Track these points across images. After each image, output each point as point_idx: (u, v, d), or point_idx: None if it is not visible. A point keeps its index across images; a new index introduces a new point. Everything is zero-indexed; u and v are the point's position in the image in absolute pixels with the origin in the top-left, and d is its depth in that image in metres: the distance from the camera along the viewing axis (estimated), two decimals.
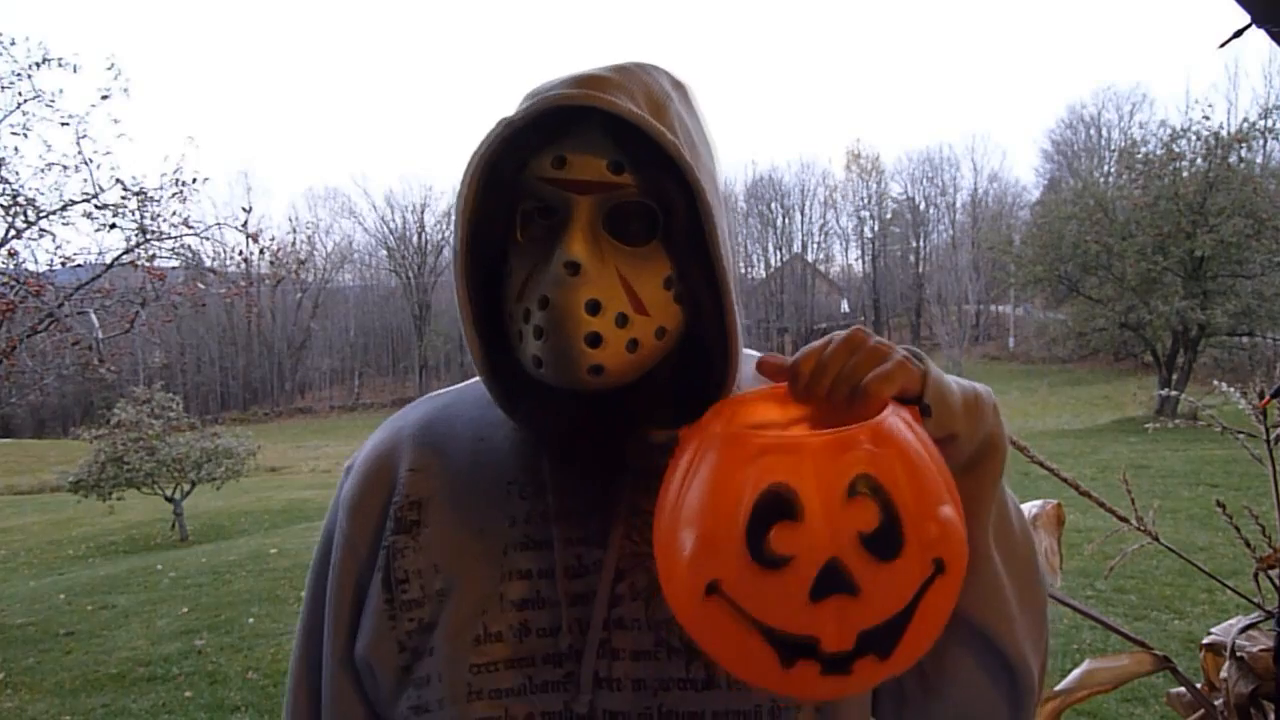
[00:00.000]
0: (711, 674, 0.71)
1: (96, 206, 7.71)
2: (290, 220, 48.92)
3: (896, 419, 0.60)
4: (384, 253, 54.43)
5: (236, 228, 9.56)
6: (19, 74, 7.67)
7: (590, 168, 0.67)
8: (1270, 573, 1.07)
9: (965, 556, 0.61)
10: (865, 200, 53.48)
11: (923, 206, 52.40)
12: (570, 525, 0.73)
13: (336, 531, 0.82)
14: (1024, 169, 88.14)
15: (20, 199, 7.53)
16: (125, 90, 8.12)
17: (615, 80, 0.68)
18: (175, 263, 8.64)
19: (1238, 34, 1.09)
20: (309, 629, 0.83)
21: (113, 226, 7.73)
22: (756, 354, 0.84)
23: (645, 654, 0.71)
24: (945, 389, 0.67)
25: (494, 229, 0.71)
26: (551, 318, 0.66)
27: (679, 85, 0.76)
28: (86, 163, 7.75)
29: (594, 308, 0.66)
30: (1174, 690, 1.14)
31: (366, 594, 0.78)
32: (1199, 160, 16.60)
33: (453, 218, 0.72)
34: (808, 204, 54.03)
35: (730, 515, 0.56)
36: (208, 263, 9.66)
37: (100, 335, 8.12)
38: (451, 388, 0.88)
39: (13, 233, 7.58)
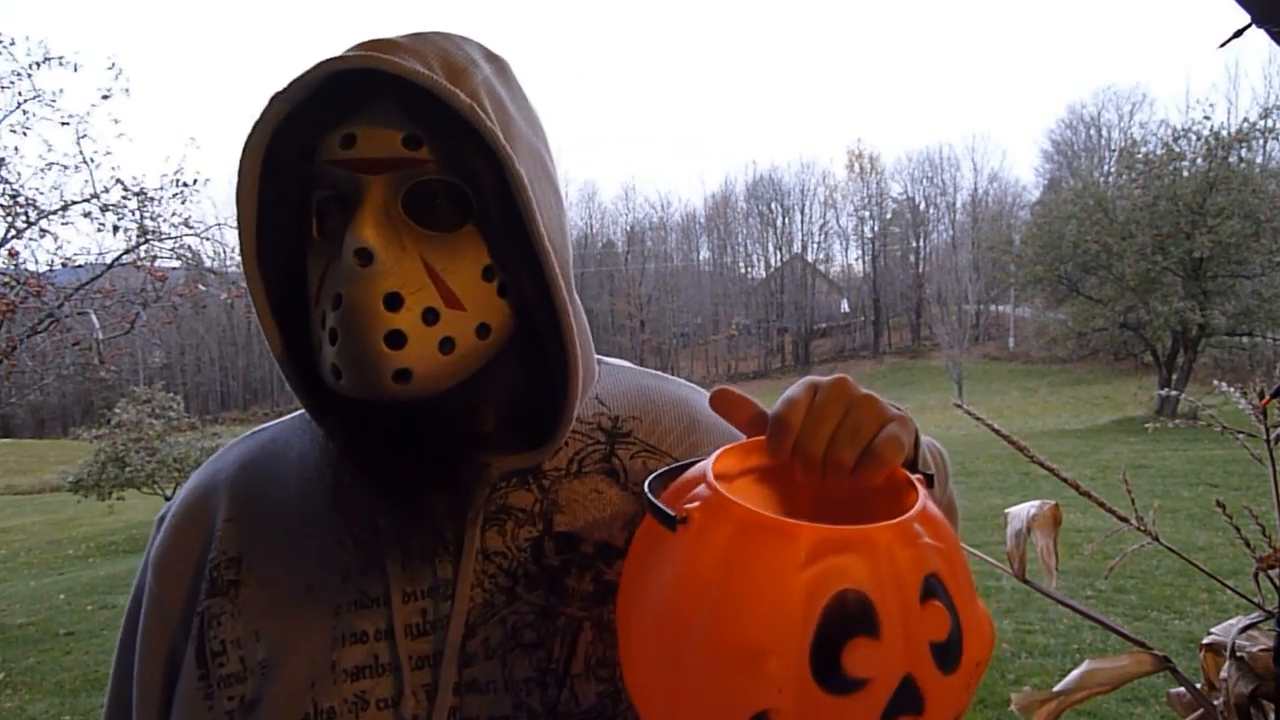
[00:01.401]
0: None
1: (98, 207, 7.71)
2: None
3: (930, 503, 0.51)
4: None
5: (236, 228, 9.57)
6: (19, 73, 7.69)
7: (382, 143, 0.57)
8: (1270, 573, 1.07)
9: (991, 650, 0.53)
10: (865, 200, 53.53)
11: (923, 206, 52.43)
12: (410, 576, 0.63)
13: (145, 594, 0.71)
14: (1024, 169, 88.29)
15: (20, 199, 7.53)
16: (126, 90, 8.13)
17: (406, 45, 0.59)
18: (176, 263, 8.65)
19: (1238, 34, 1.09)
20: (116, 705, 0.72)
21: (116, 228, 7.73)
22: (621, 363, 0.78)
23: (504, 719, 0.61)
24: (940, 465, 0.62)
25: (287, 224, 0.62)
26: (345, 317, 0.56)
27: (493, 58, 0.66)
28: (87, 163, 7.76)
29: (394, 301, 0.56)
30: (1174, 690, 1.14)
31: (179, 667, 0.67)
32: (1199, 160, 16.61)
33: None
34: (808, 204, 54.08)
35: (788, 629, 0.44)
36: (208, 263, 9.66)
37: (100, 335, 8.13)
38: (280, 419, 0.77)
39: (13, 233, 7.59)
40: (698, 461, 0.55)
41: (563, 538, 0.65)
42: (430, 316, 0.57)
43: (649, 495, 0.52)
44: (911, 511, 0.49)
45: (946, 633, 0.47)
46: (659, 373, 0.79)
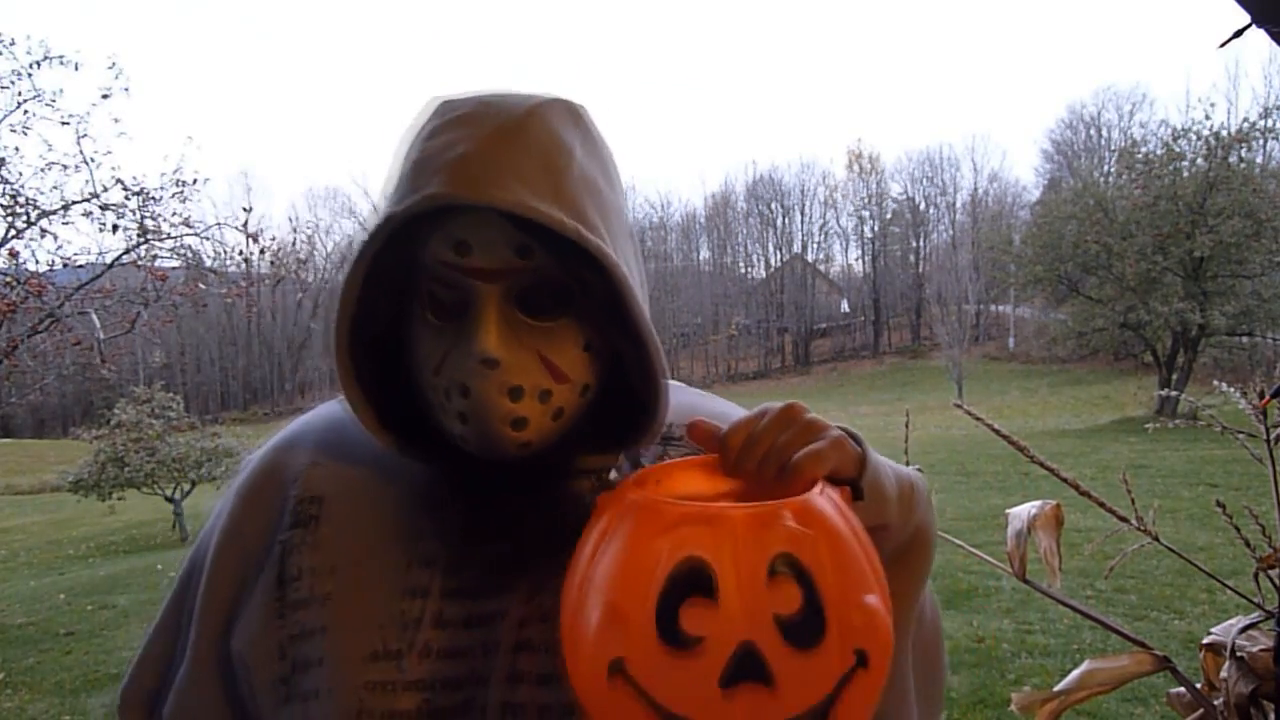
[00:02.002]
0: None
1: (98, 207, 7.71)
2: (290, 220, 48.87)
3: (825, 499, 0.56)
4: None
5: (236, 228, 9.57)
6: (19, 73, 7.68)
7: (495, 254, 0.63)
8: (1270, 573, 1.07)
9: (890, 650, 0.55)
10: (865, 200, 53.54)
11: (923, 206, 52.43)
12: (481, 543, 0.69)
13: (221, 517, 0.77)
14: (1024, 169, 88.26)
15: (20, 199, 7.53)
16: (126, 89, 8.13)
17: (507, 160, 0.62)
18: (176, 263, 8.65)
19: (1238, 34, 1.09)
20: (171, 624, 0.78)
21: (116, 228, 7.73)
22: (683, 385, 0.86)
23: (550, 678, 0.67)
24: (880, 474, 0.66)
25: (385, 295, 0.68)
26: (474, 407, 0.64)
27: (576, 118, 0.68)
28: (87, 162, 7.76)
29: (516, 394, 0.64)
30: (1174, 690, 1.14)
31: (248, 583, 0.73)
32: (1199, 160, 16.61)
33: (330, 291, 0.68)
34: (808, 204, 54.09)
35: (641, 588, 0.51)
36: (208, 263, 9.65)
37: (101, 335, 8.12)
38: None
39: (13, 233, 7.58)
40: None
41: None
42: (544, 397, 0.66)
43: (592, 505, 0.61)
44: (781, 501, 0.54)
45: (796, 608, 0.51)
46: (703, 391, 0.88)
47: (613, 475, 0.69)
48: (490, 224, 0.63)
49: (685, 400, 0.82)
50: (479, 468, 0.68)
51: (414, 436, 0.71)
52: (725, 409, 0.83)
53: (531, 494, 0.69)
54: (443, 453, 0.69)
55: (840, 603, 0.52)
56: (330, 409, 0.81)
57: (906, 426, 1.38)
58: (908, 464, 1.29)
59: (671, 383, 0.83)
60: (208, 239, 8.98)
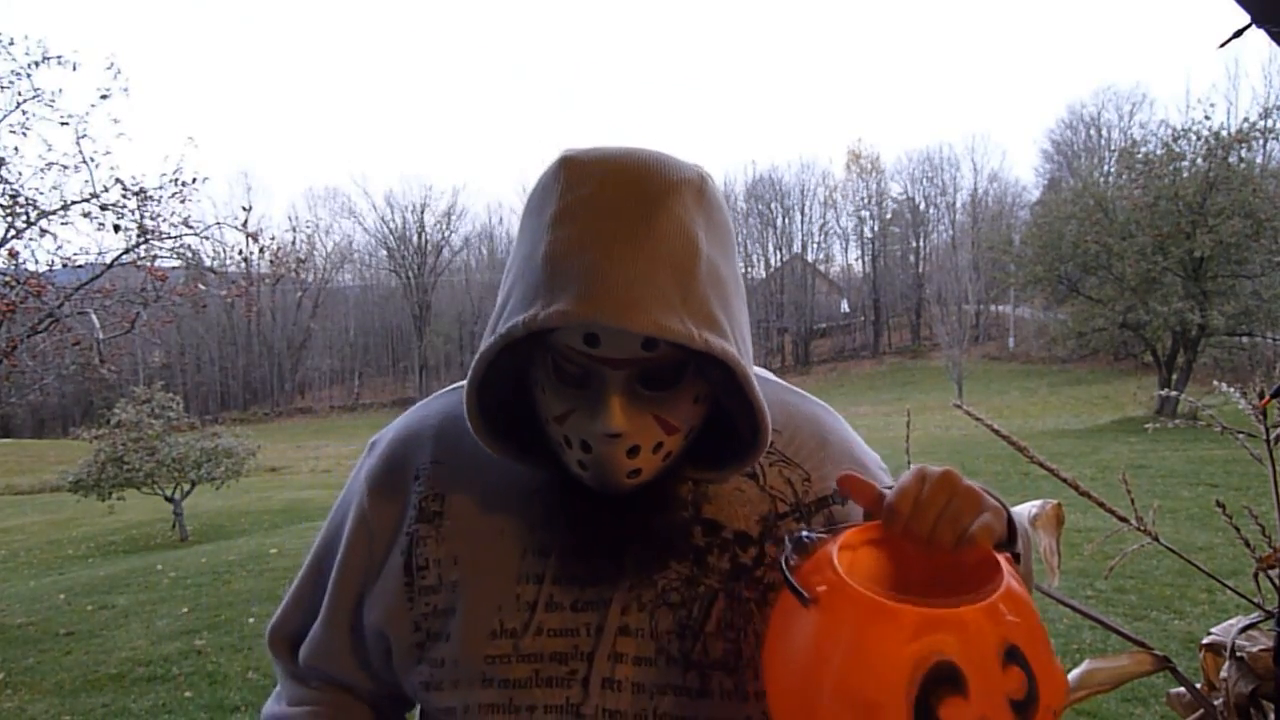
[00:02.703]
0: (705, 684, 0.76)
1: (98, 207, 7.70)
2: (290, 220, 48.91)
3: (1014, 579, 0.64)
4: (384, 253, 54.47)
5: (236, 228, 9.56)
6: (19, 73, 7.67)
7: (623, 349, 0.68)
8: (1270, 573, 1.07)
9: (1066, 701, 0.65)
10: (865, 200, 53.51)
11: (923, 206, 52.41)
12: (589, 535, 0.76)
13: (355, 503, 0.87)
14: (1024, 169, 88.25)
15: (20, 199, 7.52)
16: (125, 90, 8.12)
17: (639, 275, 0.64)
18: (175, 263, 8.64)
19: (1238, 34, 1.09)
20: (311, 581, 0.91)
21: (117, 228, 7.72)
22: (765, 374, 0.91)
23: (647, 660, 0.75)
24: (1025, 538, 0.74)
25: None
26: (595, 461, 0.72)
27: (699, 197, 0.70)
28: (86, 162, 7.75)
29: (634, 453, 0.71)
30: (1174, 690, 1.14)
31: (375, 567, 0.83)
32: (1199, 160, 16.59)
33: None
34: (808, 204, 54.06)
35: (895, 690, 0.58)
36: (208, 263, 9.65)
37: (100, 335, 8.12)
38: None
39: (13, 233, 7.57)
40: (825, 538, 0.70)
41: (708, 523, 0.80)
42: (657, 448, 0.72)
43: (787, 575, 0.67)
44: (996, 594, 0.61)
45: (1024, 692, 0.59)
46: (797, 389, 0.92)
47: (785, 550, 0.73)
48: (620, 319, 0.66)
49: (780, 399, 0.88)
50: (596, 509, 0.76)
51: (527, 442, 0.78)
52: (820, 412, 0.90)
53: (642, 491, 0.75)
54: (553, 462, 0.76)
55: (1044, 675, 0.61)
56: (447, 402, 0.88)
57: (908, 426, 1.38)
58: (909, 464, 1.30)
59: (760, 372, 0.89)
60: (207, 239, 8.97)
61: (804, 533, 0.72)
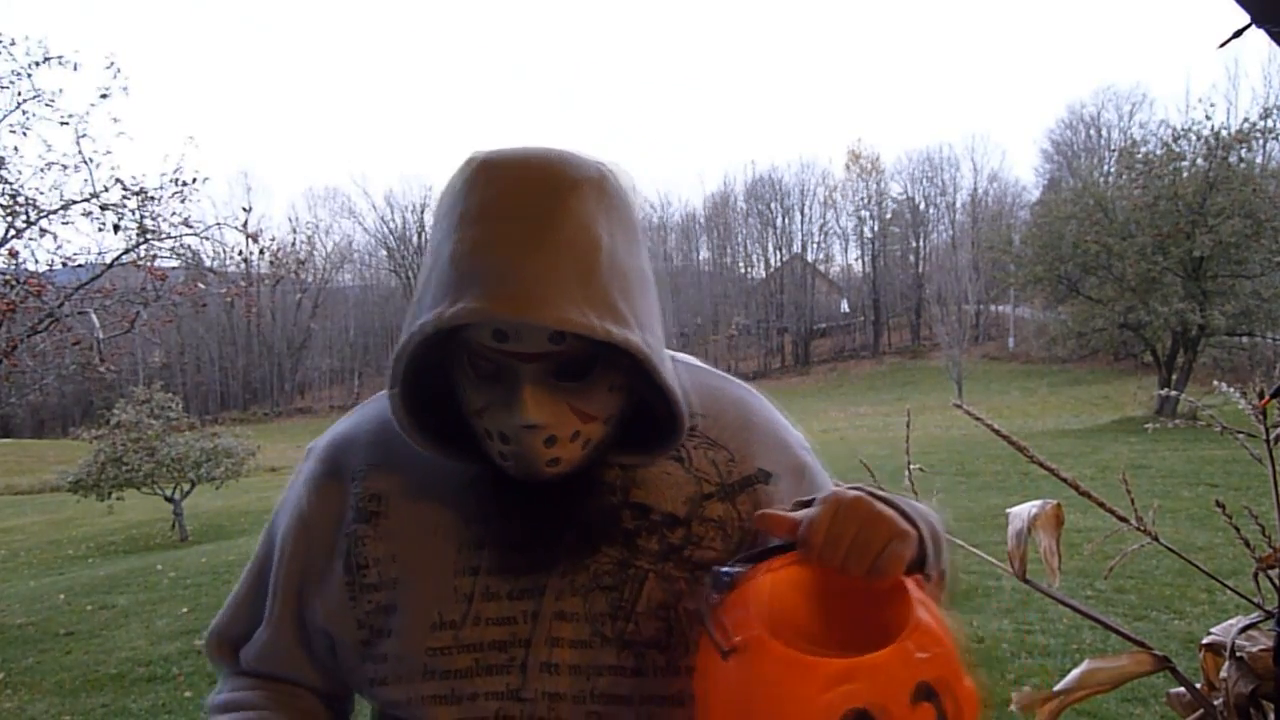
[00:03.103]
0: (640, 662, 0.79)
1: (98, 206, 7.69)
2: (290, 220, 48.79)
3: (923, 610, 0.67)
4: (384, 253, 54.50)
5: (236, 228, 9.56)
6: (19, 73, 7.67)
7: (531, 343, 0.71)
8: (1270, 573, 1.07)
9: (979, 711, 0.69)
10: (865, 200, 53.50)
11: (923, 206, 52.41)
12: (525, 527, 0.79)
13: (295, 507, 0.89)
14: (1024, 169, 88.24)
15: (20, 199, 7.52)
16: (125, 89, 8.11)
17: (541, 271, 0.68)
18: (175, 263, 8.64)
19: (1238, 34, 1.09)
20: (253, 587, 0.92)
21: (117, 228, 7.72)
22: (691, 360, 0.95)
23: (583, 643, 0.78)
24: (938, 545, 0.77)
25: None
26: (515, 452, 0.75)
27: (601, 193, 0.74)
28: (86, 162, 7.74)
29: (551, 442, 0.74)
30: (1174, 690, 1.14)
31: (317, 569, 0.86)
32: (1199, 160, 16.58)
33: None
34: (808, 204, 54.05)
35: None
36: (208, 263, 9.65)
37: (100, 335, 8.11)
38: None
39: (13, 233, 7.57)
40: (745, 572, 0.72)
41: (637, 507, 0.82)
42: (575, 436, 0.75)
43: (706, 624, 0.70)
44: (905, 633, 0.65)
45: None
46: (722, 373, 0.96)
47: (706, 589, 0.76)
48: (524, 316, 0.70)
49: (705, 383, 0.91)
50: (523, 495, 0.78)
51: (456, 437, 0.80)
52: (744, 395, 0.93)
53: (570, 481, 0.79)
54: (482, 455, 0.79)
55: (954, 699, 0.65)
56: (381, 406, 0.88)
57: (908, 426, 1.38)
58: (910, 464, 1.30)
59: (685, 358, 0.94)
60: (207, 239, 8.97)
61: (724, 569, 0.73)
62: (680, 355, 0.93)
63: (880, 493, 0.76)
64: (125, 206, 7.79)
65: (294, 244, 38.44)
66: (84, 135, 7.77)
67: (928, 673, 0.64)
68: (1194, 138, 16.74)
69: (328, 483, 0.87)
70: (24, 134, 7.71)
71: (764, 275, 54.13)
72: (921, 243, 52.55)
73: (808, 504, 0.75)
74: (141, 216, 7.88)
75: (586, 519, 0.80)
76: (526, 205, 0.70)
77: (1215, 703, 1.07)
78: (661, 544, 0.82)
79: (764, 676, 0.65)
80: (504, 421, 0.74)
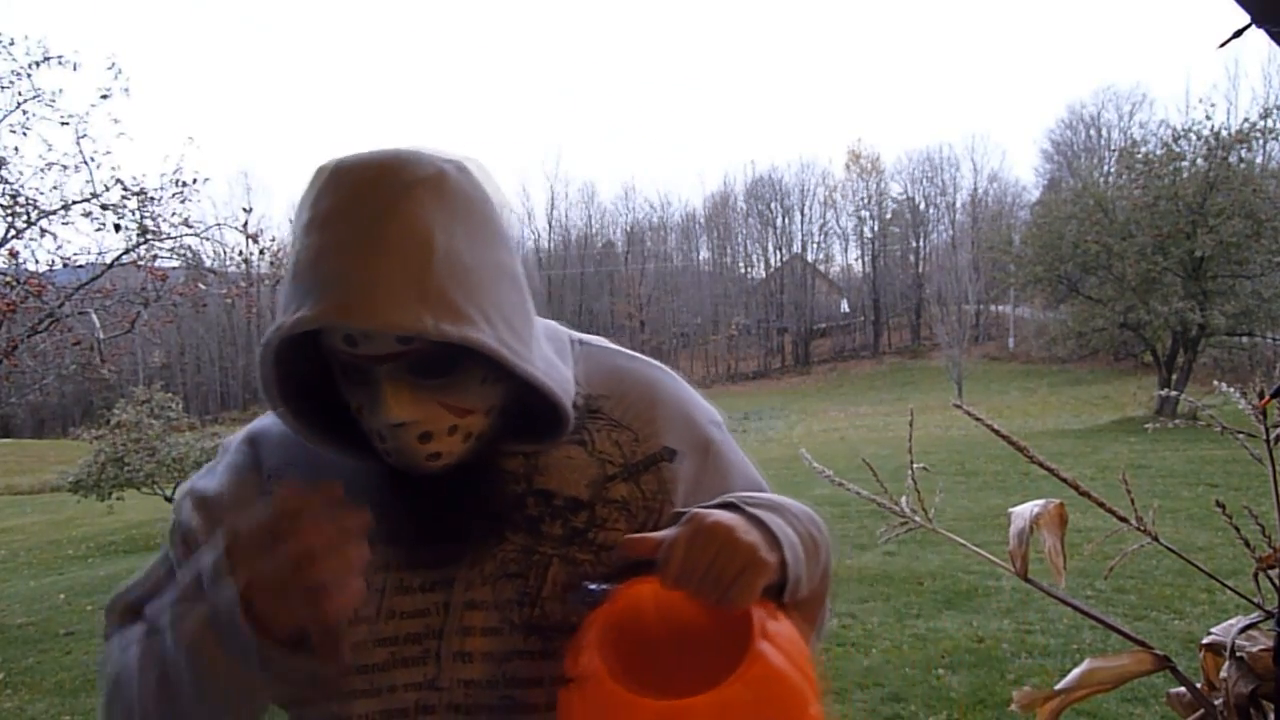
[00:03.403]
0: (548, 645, 0.81)
1: (98, 207, 7.70)
2: (290, 220, 48.77)
3: (765, 644, 0.69)
4: None
5: (236, 228, 9.57)
6: (19, 73, 7.67)
7: (379, 346, 0.72)
8: (1270, 573, 1.07)
9: None
10: (865, 200, 53.51)
11: (923, 206, 52.41)
12: (433, 520, 0.81)
13: (215, 491, 0.88)
14: (1024, 169, 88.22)
15: (20, 199, 7.52)
16: (125, 90, 8.11)
17: (372, 277, 0.69)
18: (175, 263, 8.64)
19: (1238, 34, 1.09)
20: (165, 564, 0.89)
21: (117, 228, 7.72)
22: (602, 342, 0.95)
23: (493, 630, 0.80)
24: (798, 565, 0.77)
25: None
26: (393, 449, 0.76)
27: (439, 193, 0.74)
28: (86, 162, 7.75)
29: (426, 438, 0.76)
30: (1174, 690, 1.14)
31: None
32: (1199, 160, 16.59)
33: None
34: (808, 204, 54.07)
35: None
36: (208, 263, 9.65)
37: (100, 335, 8.11)
38: None
39: (13, 233, 7.57)
40: (610, 590, 0.76)
41: (540, 493, 0.84)
42: (453, 430, 0.77)
43: (569, 649, 0.74)
44: (735, 675, 0.67)
45: None
46: (633, 353, 0.95)
47: (592, 588, 0.78)
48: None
49: (611, 363, 0.93)
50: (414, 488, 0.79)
51: (355, 435, 0.81)
52: (655, 374, 0.94)
53: (469, 474, 0.80)
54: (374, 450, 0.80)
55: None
56: (272, 416, 0.89)
57: (910, 426, 1.38)
58: (912, 463, 1.30)
59: (596, 341, 0.95)
60: (208, 239, 8.99)
61: (591, 585, 0.76)
62: (590, 338, 0.95)
63: (753, 510, 0.78)
64: (125, 207, 7.80)
65: None
66: (84, 135, 7.78)
67: (755, 713, 0.66)
68: (1194, 138, 16.75)
69: (248, 475, 0.88)
70: (24, 134, 7.72)
71: (764, 275, 54.14)
72: (921, 243, 52.56)
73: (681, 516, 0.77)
74: (141, 217, 7.88)
75: (492, 509, 0.82)
76: (361, 210, 0.71)
77: (1215, 702, 1.07)
78: (565, 528, 0.83)
79: (594, 709, 0.69)
80: (376, 420, 0.75)
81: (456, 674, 0.80)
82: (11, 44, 7.60)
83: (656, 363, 0.96)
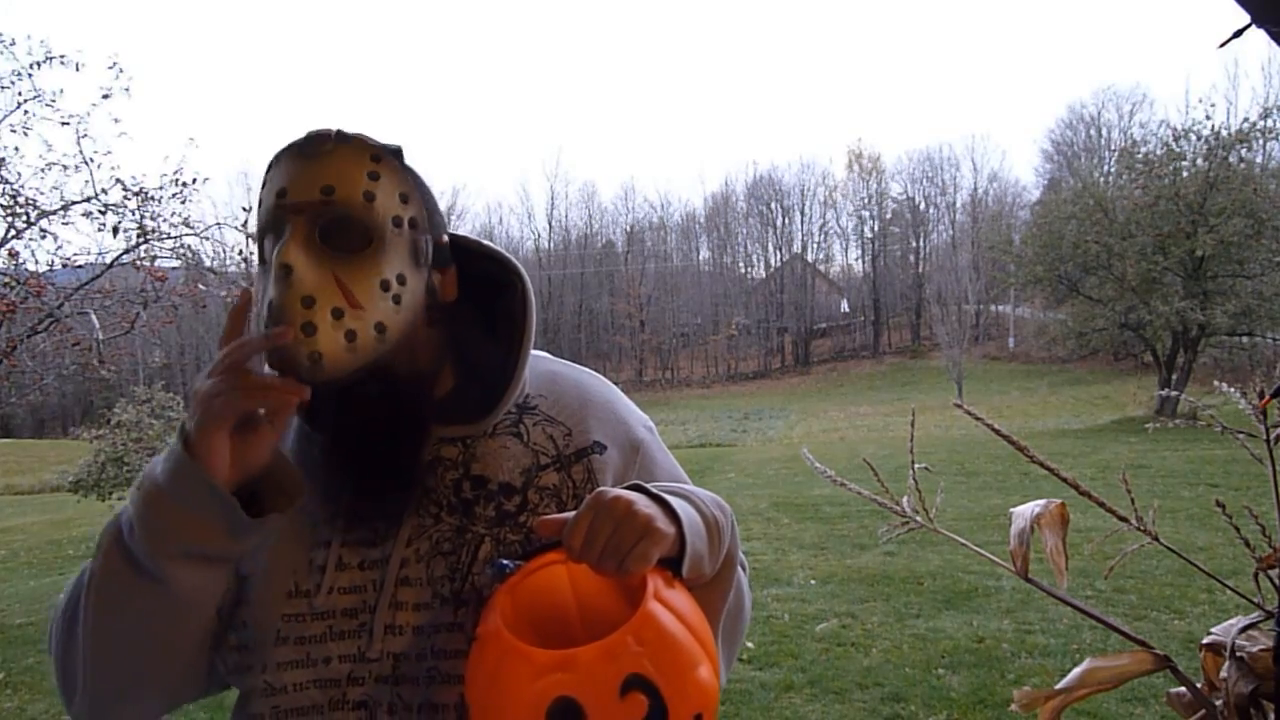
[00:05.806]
0: (475, 618, 0.83)
1: (98, 208, 7.69)
2: None
3: (656, 604, 0.72)
4: None
5: (236, 228, 9.54)
6: (20, 73, 7.66)
7: (304, 193, 0.80)
8: (1270, 573, 1.08)
9: (716, 703, 0.74)
10: (865, 200, 53.52)
11: (923, 206, 52.41)
12: (370, 501, 0.87)
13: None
14: (1024, 169, 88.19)
15: (20, 199, 7.51)
16: (126, 90, 8.11)
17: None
18: (175, 263, 8.64)
19: (1238, 34, 1.09)
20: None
21: (117, 228, 7.72)
22: (539, 354, 1.01)
23: (424, 605, 0.85)
24: (696, 539, 0.80)
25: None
26: (272, 313, 0.78)
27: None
28: (87, 163, 7.74)
29: (308, 302, 0.77)
30: (1174, 690, 1.14)
31: None
32: (1199, 160, 16.58)
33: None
34: (808, 204, 54.06)
35: None
36: (208, 263, 9.63)
37: (100, 335, 8.11)
38: None
39: (13, 233, 7.57)
40: (522, 565, 0.81)
41: (476, 479, 0.90)
42: (336, 314, 0.79)
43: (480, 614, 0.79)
44: (623, 628, 0.70)
45: (644, 712, 0.68)
46: (569, 362, 1.04)
47: (504, 563, 0.82)
48: (305, 172, 0.81)
49: (547, 369, 1.00)
50: (349, 422, 0.85)
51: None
52: (586, 379, 1.01)
53: (405, 459, 0.87)
54: (322, 425, 0.88)
55: (678, 690, 0.70)
56: None
57: (912, 426, 1.39)
58: (913, 463, 1.30)
59: (537, 353, 1.01)
60: (207, 239, 8.97)
61: (504, 560, 0.81)
62: (533, 351, 1.01)
63: (656, 489, 0.81)
64: (125, 207, 7.79)
65: None
66: (85, 135, 7.77)
67: (642, 665, 0.69)
68: (1194, 138, 16.75)
69: None
70: (25, 134, 7.71)
71: (764, 275, 54.13)
72: (921, 243, 52.56)
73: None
74: (141, 217, 7.87)
75: (429, 493, 0.88)
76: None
77: (1215, 702, 1.07)
78: (498, 511, 0.88)
79: (492, 662, 0.73)
80: (269, 281, 0.79)
81: (386, 647, 0.84)
82: (12, 44, 7.60)
83: (592, 371, 1.04)
